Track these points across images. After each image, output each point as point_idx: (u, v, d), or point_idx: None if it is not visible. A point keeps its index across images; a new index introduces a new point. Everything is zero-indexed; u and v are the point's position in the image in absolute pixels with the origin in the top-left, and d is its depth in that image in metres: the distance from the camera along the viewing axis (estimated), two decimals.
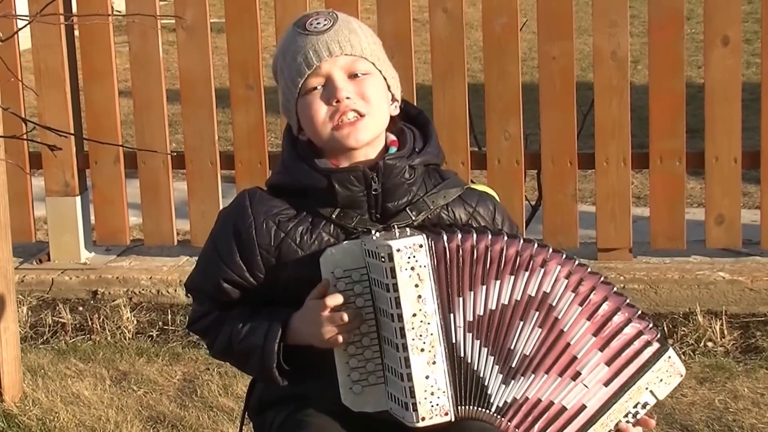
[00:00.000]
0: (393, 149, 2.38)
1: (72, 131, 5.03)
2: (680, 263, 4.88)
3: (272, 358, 2.30)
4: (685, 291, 4.70)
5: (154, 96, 5.13)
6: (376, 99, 2.34)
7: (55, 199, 5.27)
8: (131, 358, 4.42)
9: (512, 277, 2.20)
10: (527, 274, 2.21)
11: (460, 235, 2.20)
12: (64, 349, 4.55)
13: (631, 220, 4.91)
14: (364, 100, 2.32)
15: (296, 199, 2.35)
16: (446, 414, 2.17)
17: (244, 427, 2.58)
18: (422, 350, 2.16)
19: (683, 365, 2.29)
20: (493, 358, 2.20)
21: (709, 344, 4.37)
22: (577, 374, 2.22)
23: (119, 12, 9.03)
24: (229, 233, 2.36)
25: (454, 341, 2.19)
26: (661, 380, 2.25)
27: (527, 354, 2.21)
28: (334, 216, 2.31)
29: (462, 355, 2.19)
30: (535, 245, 2.23)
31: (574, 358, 2.22)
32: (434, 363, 2.16)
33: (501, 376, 2.21)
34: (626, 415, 2.25)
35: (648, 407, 2.26)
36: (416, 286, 2.16)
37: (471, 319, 2.20)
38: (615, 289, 2.25)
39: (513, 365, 2.21)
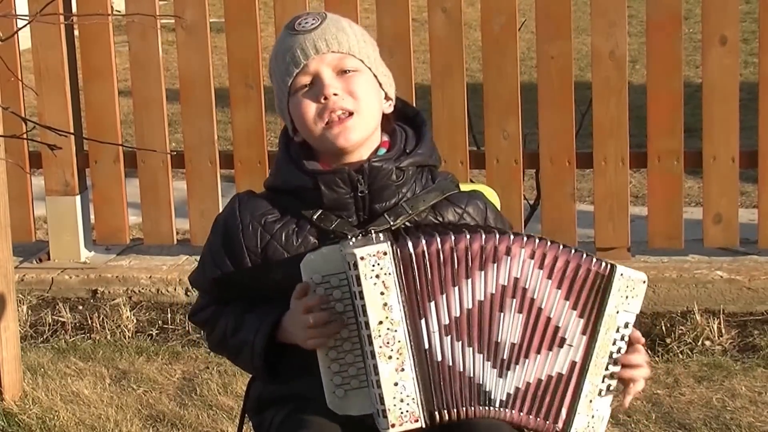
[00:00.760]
0: (382, 150, 2.38)
1: (72, 131, 5.03)
2: (678, 262, 4.90)
3: (260, 354, 2.32)
4: (683, 290, 4.71)
5: (153, 95, 5.14)
6: (365, 95, 2.34)
7: (55, 199, 5.28)
8: (131, 356, 4.43)
9: (482, 273, 2.20)
10: (495, 265, 2.20)
11: (424, 240, 2.19)
12: (63, 347, 4.56)
13: (629, 219, 4.92)
14: (352, 96, 2.32)
15: (288, 201, 2.37)
16: (416, 420, 2.17)
17: (243, 426, 2.59)
18: (390, 357, 2.16)
19: (642, 273, 2.29)
20: (481, 355, 2.20)
21: (707, 343, 4.38)
22: (563, 341, 2.24)
23: (119, 12, 9.04)
24: (219, 236, 2.40)
25: (427, 347, 2.18)
26: (626, 297, 2.26)
27: (515, 342, 2.22)
28: (314, 218, 2.32)
29: (439, 359, 2.19)
30: (497, 234, 2.22)
31: (557, 329, 2.23)
32: (403, 370, 2.16)
33: (495, 370, 2.21)
34: (614, 343, 2.26)
35: (630, 325, 2.28)
36: (382, 293, 2.16)
37: (447, 322, 2.19)
38: (572, 249, 2.25)
39: (504, 357, 2.21)
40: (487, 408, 2.21)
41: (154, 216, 5.21)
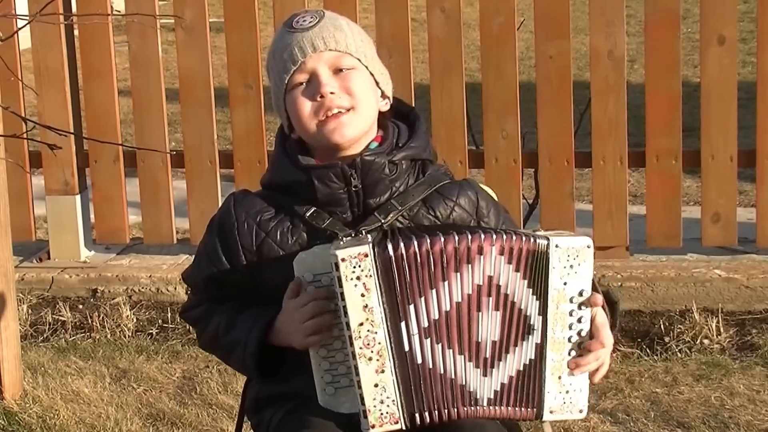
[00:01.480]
0: (374, 145, 2.38)
1: (72, 130, 5.05)
2: (676, 261, 4.91)
3: (252, 354, 2.33)
4: (682, 289, 4.72)
5: (153, 95, 5.15)
6: (361, 93, 2.34)
7: (55, 198, 5.29)
8: (131, 355, 4.44)
9: (458, 274, 2.20)
10: (470, 266, 2.20)
11: (402, 243, 2.18)
12: (64, 347, 4.57)
13: (627, 218, 4.93)
14: (348, 94, 2.32)
15: (283, 198, 2.37)
16: (396, 422, 2.18)
17: (241, 427, 2.59)
18: (370, 359, 2.17)
19: (585, 238, 2.23)
20: (462, 356, 2.20)
21: (706, 342, 4.38)
22: (530, 328, 2.23)
23: (119, 12, 9.04)
24: (215, 234, 2.41)
25: (407, 349, 2.19)
26: (571, 266, 2.23)
27: (495, 340, 2.21)
28: (307, 216, 2.33)
29: (420, 362, 2.19)
30: (468, 234, 2.20)
31: (527, 317, 2.23)
32: (383, 372, 2.17)
33: (479, 370, 2.21)
34: (571, 314, 2.24)
35: (586, 291, 2.23)
36: (362, 295, 2.17)
37: (427, 325, 2.19)
38: (523, 234, 2.22)
39: (487, 356, 2.21)
40: (474, 408, 2.21)
41: (154, 215, 5.22)
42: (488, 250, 2.20)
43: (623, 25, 4.82)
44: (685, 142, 4.91)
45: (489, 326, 2.21)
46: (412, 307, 2.19)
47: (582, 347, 2.25)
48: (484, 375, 2.21)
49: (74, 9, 5.08)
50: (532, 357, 2.23)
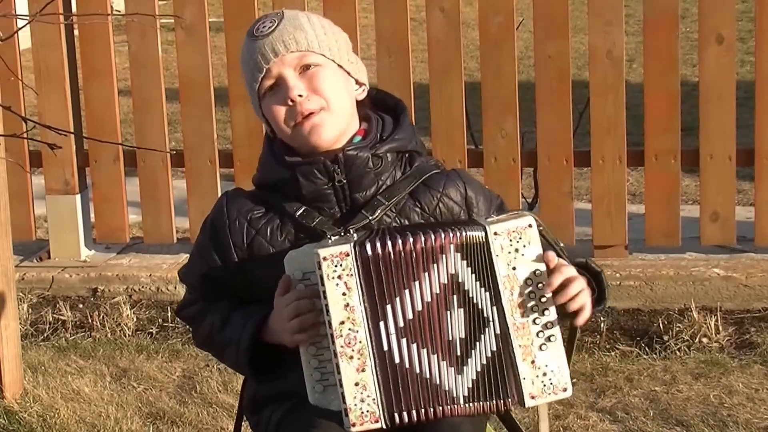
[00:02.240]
0: (357, 138, 2.38)
1: (72, 130, 5.05)
2: (675, 260, 4.91)
3: (245, 351, 2.34)
4: (680, 287, 4.73)
5: (153, 95, 5.15)
6: (330, 90, 2.34)
7: (55, 198, 5.30)
8: (131, 355, 4.45)
9: (426, 274, 2.21)
10: (435, 265, 2.21)
11: (379, 242, 2.19)
12: (64, 346, 4.57)
13: (626, 217, 4.94)
14: (317, 94, 2.33)
15: (273, 197, 2.39)
16: (377, 421, 2.19)
17: (240, 428, 2.60)
18: (351, 357, 2.19)
19: (525, 218, 2.22)
20: (435, 356, 2.21)
21: (704, 340, 4.39)
22: (486, 320, 2.23)
23: (118, 11, 9.05)
24: (207, 232, 2.42)
25: (386, 348, 2.20)
26: (516, 250, 2.23)
27: (463, 337, 2.22)
28: (297, 214, 2.34)
29: (398, 361, 2.20)
30: (431, 232, 2.21)
31: (481, 310, 2.23)
32: (364, 371, 2.19)
33: (453, 368, 2.22)
34: (530, 296, 2.22)
35: (541, 270, 2.22)
36: (344, 294, 2.18)
37: (402, 325, 2.21)
38: (469, 229, 2.22)
39: (459, 353, 2.22)
40: (452, 406, 2.22)
41: (154, 215, 5.22)
42: (448, 248, 2.21)
43: (622, 24, 4.82)
44: (684, 141, 4.91)
45: (456, 324, 2.22)
46: (389, 306, 2.21)
47: (549, 325, 2.23)
48: (458, 373, 2.22)
49: (74, 9, 5.09)
50: (494, 348, 2.22)
